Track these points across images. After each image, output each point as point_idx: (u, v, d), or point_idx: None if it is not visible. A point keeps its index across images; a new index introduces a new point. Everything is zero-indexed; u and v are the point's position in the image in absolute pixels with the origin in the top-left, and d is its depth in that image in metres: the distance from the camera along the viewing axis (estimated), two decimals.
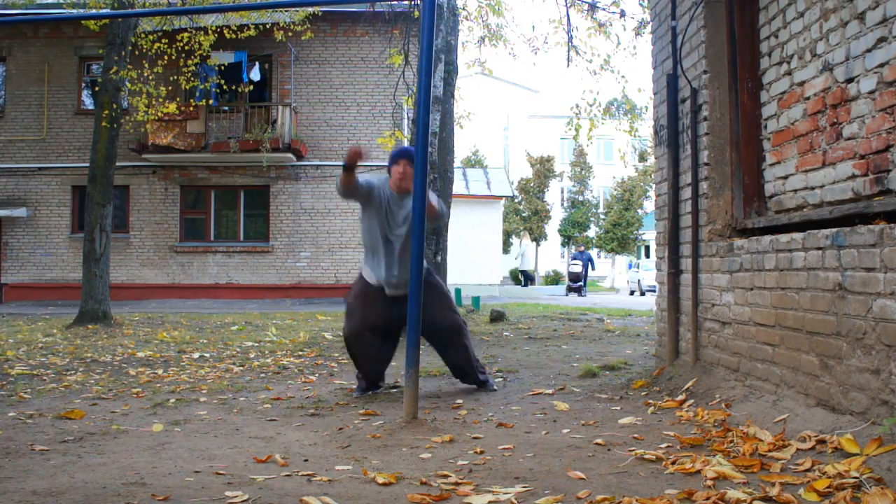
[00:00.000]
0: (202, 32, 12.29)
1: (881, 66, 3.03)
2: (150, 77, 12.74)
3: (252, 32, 13.10)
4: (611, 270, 40.83)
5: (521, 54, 64.81)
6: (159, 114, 12.42)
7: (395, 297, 4.62)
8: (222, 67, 16.40)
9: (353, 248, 18.22)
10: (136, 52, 11.88)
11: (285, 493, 2.60)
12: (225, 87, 15.05)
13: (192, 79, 13.12)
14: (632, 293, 29.85)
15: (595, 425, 3.69)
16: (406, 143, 16.78)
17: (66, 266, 18.03)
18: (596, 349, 7.20)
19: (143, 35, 11.90)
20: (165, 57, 12.18)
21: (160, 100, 12.26)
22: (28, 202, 18.21)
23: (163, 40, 12.01)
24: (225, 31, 12.84)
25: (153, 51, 11.84)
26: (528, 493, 2.55)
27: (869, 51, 3.11)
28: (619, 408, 4.16)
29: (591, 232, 38.16)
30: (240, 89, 16.10)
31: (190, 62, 12.90)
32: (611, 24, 11.20)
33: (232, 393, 5.06)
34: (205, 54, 12.96)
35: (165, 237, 18.28)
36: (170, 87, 13.48)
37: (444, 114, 9.47)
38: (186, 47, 12.55)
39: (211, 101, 17.35)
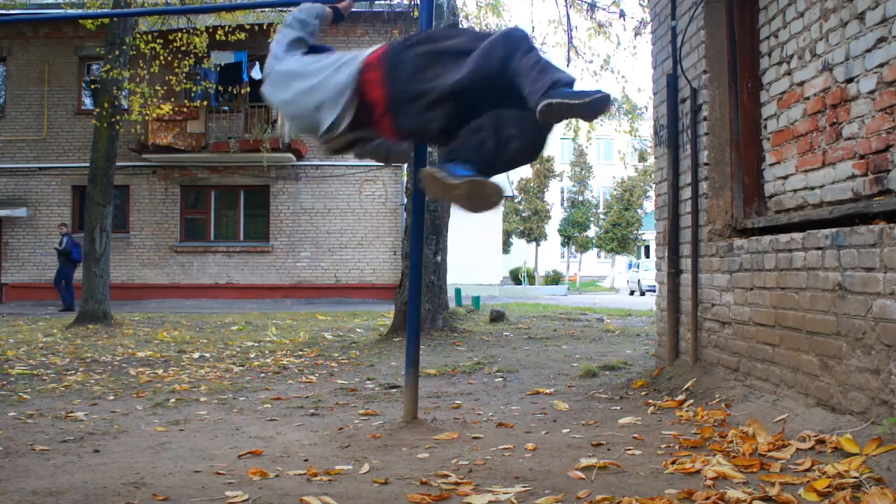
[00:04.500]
0: (197, 34, 12.24)
1: (881, 66, 3.03)
2: (145, 76, 12.73)
3: (241, 36, 12.98)
4: (611, 270, 40.85)
5: None
6: (154, 114, 12.35)
7: None
8: (217, 68, 16.38)
9: (353, 247, 18.22)
10: (133, 52, 11.85)
11: (285, 493, 2.60)
12: (222, 88, 15.02)
13: (185, 80, 13.10)
14: (632, 293, 29.88)
15: (595, 425, 3.69)
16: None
17: None
18: (596, 349, 7.20)
19: (138, 35, 11.88)
20: (160, 58, 12.14)
21: (154, 100, 12.21)
22: (28, 202, 18.21)
23: (158, 41, 11.99)
24: (218, 33, 12.77)
25: (147, 51, 11.81)
26: (528, 493, 2.55)
27: (869, 51, 3.11)
28: (619, 408, 4.16)
29: (591, 232, 38.16)
30: (239, 90, 16.06)
31: (185, 63, 12.89)
32: (610, 25, 11.19)
33: (232, 393, 5.06)
34: (200, 54, 12.93)
35: (165, 237, 18.28)
36: (165, 88, 13.43)
37: None
38: (183, 48, 12.53)
39: (209, 102, 17.33)
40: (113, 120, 11.12)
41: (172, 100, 14.96)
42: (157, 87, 12.30)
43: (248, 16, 13.53)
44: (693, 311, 4.53)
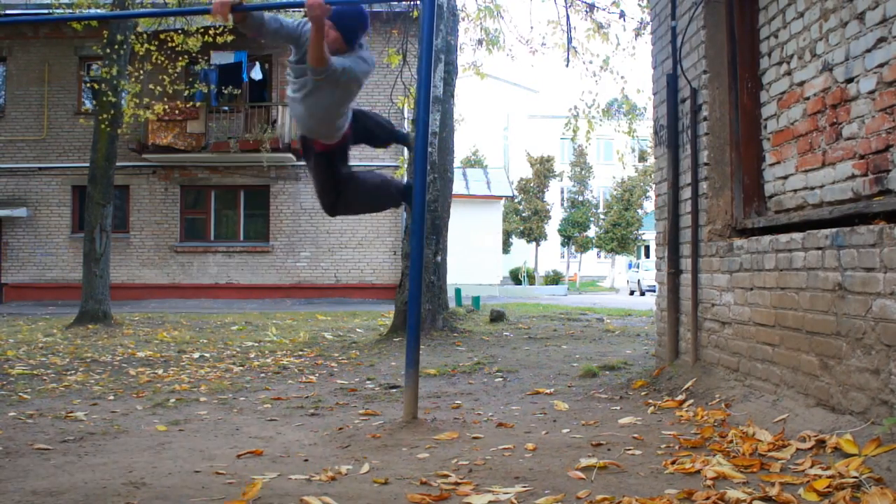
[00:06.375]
0: (190, 34, 12.19)
1: (881, 66, 3.03)
2: (140, 77, 12.68)
3: (228, 38, 12.86)
4: (611, 270, 40.84)
5: (520, 55, 64.75)
6: (140, 112, 12.24)
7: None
8: (212, 66, 16.36)
9: (352, 247, 18.23)
10: (123, 52, 11.81)
11: (285, 493, 2.60)
12: (216, 89, 14.95)
13: (182, 81, 13.06)
14: (632, 293, 29.89)
15: (595, 425, 3.69)
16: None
17: (66, 266, 18.03)
18: (596, 349, 7.20)
19: (135, 36, 11.86)
20: (154, 59, 12.11)
21: (147, 100, 12.17)
22: (28, 202, 18.20)
23: (153, 42, 11.96)
24: (209, 34, 12.73)
25: (142, 51, 11.80)
26: (528, 493, 2.55)
27: (869, 51, 3.11)
28: (619, 408, 4.16)
29: (591, 232, 38.16)
30: (235, 92, 15.99)
31: (178, 63, 12.86)
32: (609, 25, 11.18)
33: (232, 393, 5.06)
34: (194, 54, 12.87)
35: (165, 237, 18.28)
36: (160, 89, 13.39)
37: (443, 114, 9.47)
38: (178, 48, 12.49)
39: (208, 102, 17.30)
40: (103, 117, 11.11)
41: (165, 100, 14.89)
42: (152, 87, 12.25)
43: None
44: (693, 311, 4.53)
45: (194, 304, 17.07)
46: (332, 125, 3.76)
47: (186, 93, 14.80)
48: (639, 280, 29.64)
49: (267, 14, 3.52)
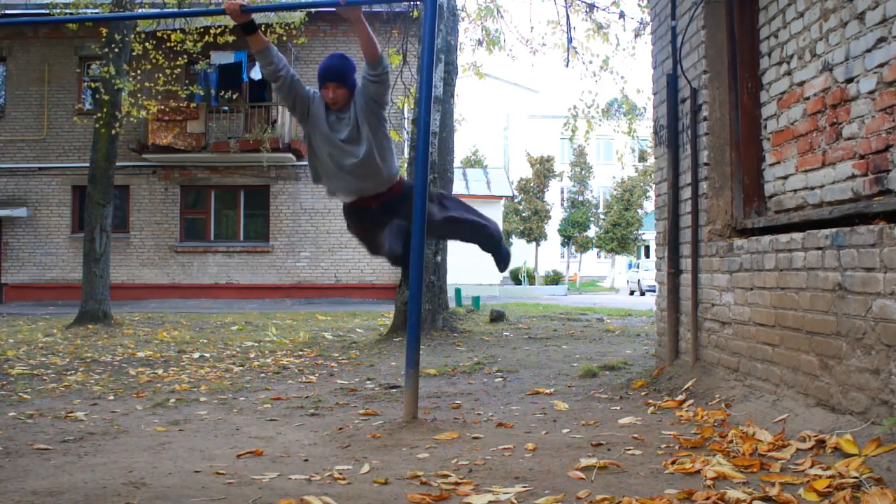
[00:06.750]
0: (189, 35, 12.17)
1: (881, 66, 3.03)
2: (138, 76, 12.64)
3: (230, 38, 12.84)
4: (611, 270, 40.84)
5: (520, 55, 64.75)
6: (134, 111, 12.20)
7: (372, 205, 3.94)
8: (211, 67, 16.36)
9: (352, 247, 18.21)
10: (120, 51, 11.77)
11: (285, 493, 2.60)
12: (214, 92, 14.93)
13: (178, 81, 13.02)
14: (632, 293, 29.89)
15: (595, 425, 3.69)
16: (406, 144, 16.79)
17: (66, 266, 18.03)
18: (596, 349, 7.20)
19: (133, 35, 11.84)
20: (153, 58, 12.09)
21: (141, 98, 12.14)
22: (28, 202, 18.21)
23: (151, 41, 11.94)
24: (209, 34, 12.71)
25: (139, 50, 11.78)
26: (528, 493, 2.55)
27: (869, 51, 3.11)
28: (619, 408, 4.16)
29: (591, 232, 38.17)
30: (233, 96, 15.99)
31: (176, 63, 12.85)
32: (609, 26, 11.17)
33: (232, 393, 5.06)
34: (194, 54, 12.87)
35: (165, 237, 18.28)
36: (161, 88, 13.38)
37: (443, 114, 9.46)
38: (176, 48, 12.48)
39: (208, 102, 17.30)
40: (99, 115, 11.08)
41: (160, 98, 14.85)
42: (149, 85, 12.20)
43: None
44: (693, 311, 4.53)
45: (194, 304, 17.07)
46: (386, 161, 3.71)
47: (182, 94, 14.75)
48: (639, 280, 29.66)
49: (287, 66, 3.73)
